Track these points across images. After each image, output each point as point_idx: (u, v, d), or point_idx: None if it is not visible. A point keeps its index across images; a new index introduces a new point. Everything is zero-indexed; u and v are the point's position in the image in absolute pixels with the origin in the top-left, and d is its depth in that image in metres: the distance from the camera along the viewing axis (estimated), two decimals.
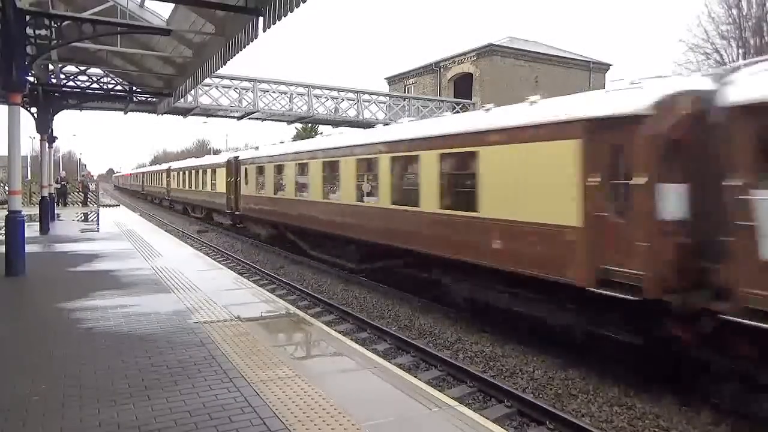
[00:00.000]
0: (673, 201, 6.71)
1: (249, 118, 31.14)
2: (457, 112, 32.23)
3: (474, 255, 9.57)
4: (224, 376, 5.11)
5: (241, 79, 28.82)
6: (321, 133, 48.76)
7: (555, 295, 8.00)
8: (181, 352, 5.76)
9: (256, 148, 25.80)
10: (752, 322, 5.59)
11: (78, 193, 34.03)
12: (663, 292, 6.47)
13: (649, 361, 7.07)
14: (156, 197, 51.21)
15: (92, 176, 53.12)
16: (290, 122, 34.38)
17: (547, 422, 6.24)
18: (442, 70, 39.67)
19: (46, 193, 19.11)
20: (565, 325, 8.08)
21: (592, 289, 7.13)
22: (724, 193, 6.05)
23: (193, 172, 33.24)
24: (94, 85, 20.70)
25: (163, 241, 16.45)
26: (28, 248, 10.91)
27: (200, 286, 9.41)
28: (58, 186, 30.14)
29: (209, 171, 29.14)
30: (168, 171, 42.94)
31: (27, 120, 19.20)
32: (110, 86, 20.92)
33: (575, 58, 40.55)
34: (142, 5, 12.58)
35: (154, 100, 21.84)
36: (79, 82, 20.37)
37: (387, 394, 4.92)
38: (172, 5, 11.59)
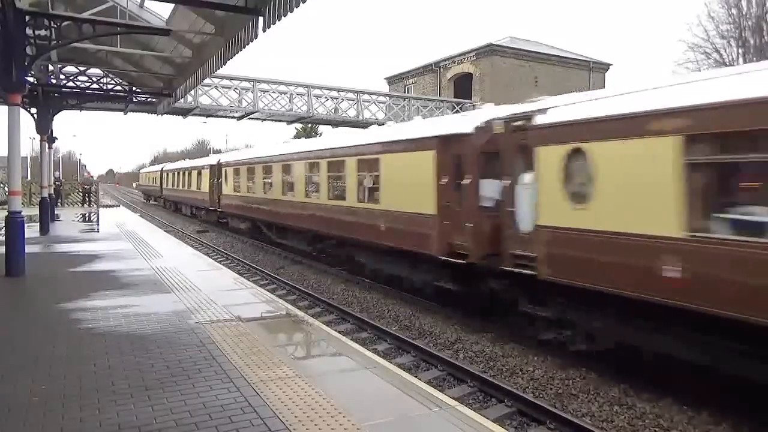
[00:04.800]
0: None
1: (249, 118, 31.12)
2: (457, 111, 32.23)
3: None
4: (224, 376, 5.11)
5: (240, 79, 28.80)
6: (321, 134, 48.84)
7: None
8: (182, 352, 5.76)
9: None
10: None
11: (77, 193, 34.05)
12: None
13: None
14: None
15: (92, 177, 53.15)
16: (290, 122, 34.36)
17: (548, 422, 6.23)
18: (442, 70, 39.67)
19: (46, 194, 19.11)
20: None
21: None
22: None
23: None
24: (94, 86, 20.68)
25: (163, 242, 16.45)
26: (28, 249, 10.91)
27: (200, 286, 9.41)
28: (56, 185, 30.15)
29: None
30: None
31: (27, 120, 19.24)
32: (110, 86, 20.92)
33: (575, 58, 40.55)
34: (141, 5, 12.57)
35: (153, 100, 21.83)
36: (78, 83, 20.35)
37: (387, 394, 4.92)
38: (171, 5, 11.59)
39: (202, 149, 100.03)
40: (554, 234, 7.87)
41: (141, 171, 77.42)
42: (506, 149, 8.96)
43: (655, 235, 6.41)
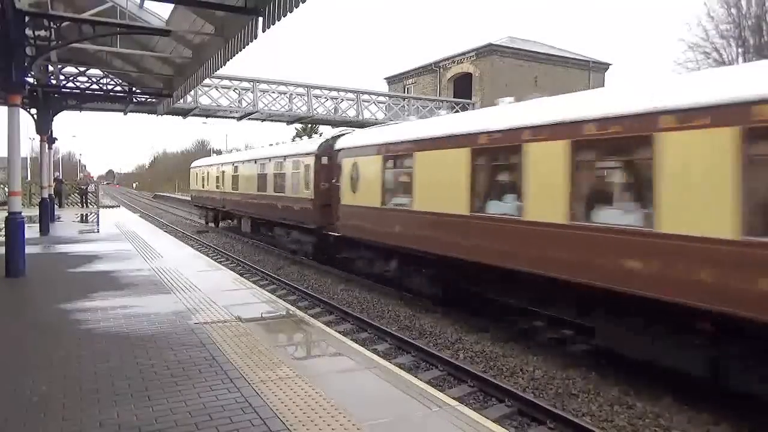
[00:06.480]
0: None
1: (249, 119, 31.13)
2: (457, 111, 32.22)
3: None
4: (225, 376, 5.11)
5: (240, 80, 28.79)
6: (321, 134, 48.86)
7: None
8: (182, 353, 5.77)
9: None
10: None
11: (77, 194, 34.03)
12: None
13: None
14: None
15: (92, 177, 53.19)
16: (290, 122, 34.36)
17: (548, 422, 6.24)
18: (441, 70, 39.66)
19: (46, 194, 19.11)
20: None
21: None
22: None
23: None
24: (94, 86, 20.64)
25: (163, 242, 16.45)
26: (28, 249, 10.90)
27: (200, 286, 9.41)
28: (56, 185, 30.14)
29: None
30: None
31: (27, 121, 19.26)
32: (110, 87, 20.89)
33: (575, 58, 40.54)
34: (141, 6, 12.55)
35: (153, 100, 21.81)
36: (78, 83, 20.33)
37: (387, 393, 4.92)
38: (171, 6, 11.58)
39: (202, 149, 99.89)
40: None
41: (193, 166, 37.18)
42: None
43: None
